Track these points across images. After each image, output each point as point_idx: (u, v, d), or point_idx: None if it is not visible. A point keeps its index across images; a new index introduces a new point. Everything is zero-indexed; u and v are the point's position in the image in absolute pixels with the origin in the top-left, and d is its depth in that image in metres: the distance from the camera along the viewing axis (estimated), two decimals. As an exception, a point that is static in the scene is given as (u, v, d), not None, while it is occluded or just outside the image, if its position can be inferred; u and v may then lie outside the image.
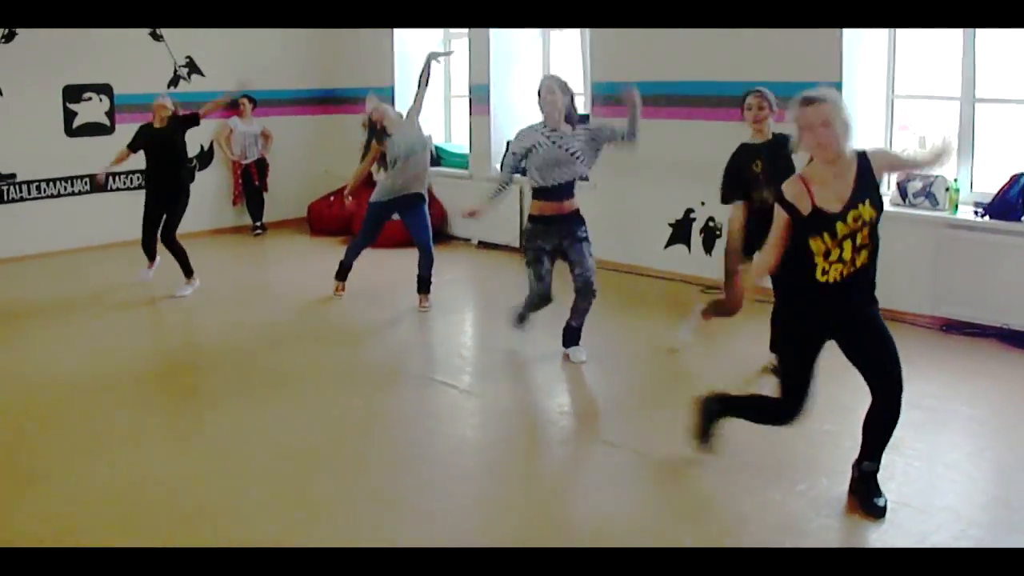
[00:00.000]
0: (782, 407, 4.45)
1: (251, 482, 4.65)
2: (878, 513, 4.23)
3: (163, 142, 8.37)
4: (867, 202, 4.11)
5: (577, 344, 6.48)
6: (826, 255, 4.15)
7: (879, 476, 4.35)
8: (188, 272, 8.58)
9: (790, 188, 4.16)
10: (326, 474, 4.76)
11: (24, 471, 4.80)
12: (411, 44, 11.27)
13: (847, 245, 4.13)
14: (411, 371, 6.35)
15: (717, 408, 4.71)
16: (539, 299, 6.37)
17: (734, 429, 4.98)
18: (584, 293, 6.27)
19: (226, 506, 4.39)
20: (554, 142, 6.10)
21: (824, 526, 4.14)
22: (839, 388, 5.78)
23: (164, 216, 8.42)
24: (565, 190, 6.16)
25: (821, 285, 4.19)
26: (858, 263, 4.18)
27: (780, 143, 5.61)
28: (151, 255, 8.73)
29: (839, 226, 4.09)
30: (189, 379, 6.30)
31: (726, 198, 5.82)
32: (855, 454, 4.82)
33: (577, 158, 6.12)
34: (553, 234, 6.18)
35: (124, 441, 5.18)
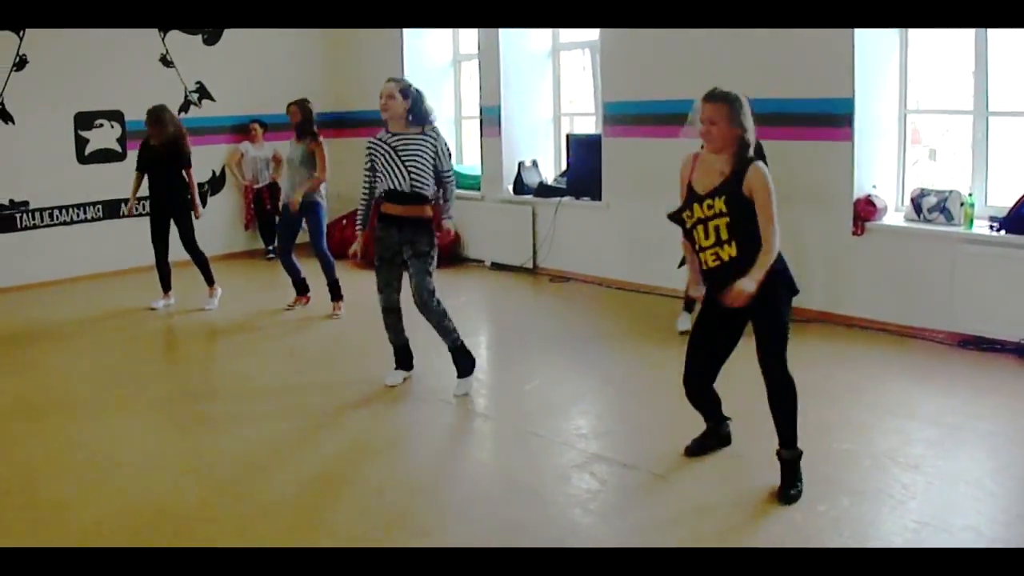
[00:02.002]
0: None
1: (268, 508, 4.63)
2: (783, 499, 4.52)
3: (160, 161, 8.53)
4: (723, 198, 4.46)
5: (465, 374, 6.31)
6: (694, 237, 4.59)
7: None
8: (210, 281, 8.86)
9: (684, 159, 4.69)
10: (344, 499, 4.73)
11: (39, 500, 4.78)
12: (421, 66, 11.30)
13: (700, 231, 4.54)
14: (426, 393, 6.32)
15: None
16: (383, 311, 6.31)
17: (753, 451, 4.96)
18: (421, 310, 6.13)
19: (243, 534, 4.35)
20: (393, 147, 6.05)
21: (847, 547, 4.08)
22: (855, 406, 5.78)
23: (174, 227, 8.68)
24: (410, 197, 6.06)
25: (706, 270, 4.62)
26: (723, 255, 4.51)
27: None
28: (165, 284, 8.81)
29: (695, 207, 4.52)
30: (202, 404, 6.28)
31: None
32: (875, 472, 4.82)
33: (411, 171, 6.00)
34: (394, 237, 6.09)
35: (138, 469, 5.16)
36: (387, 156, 6.04)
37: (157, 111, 8.51)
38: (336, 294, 8.53)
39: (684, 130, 4.88)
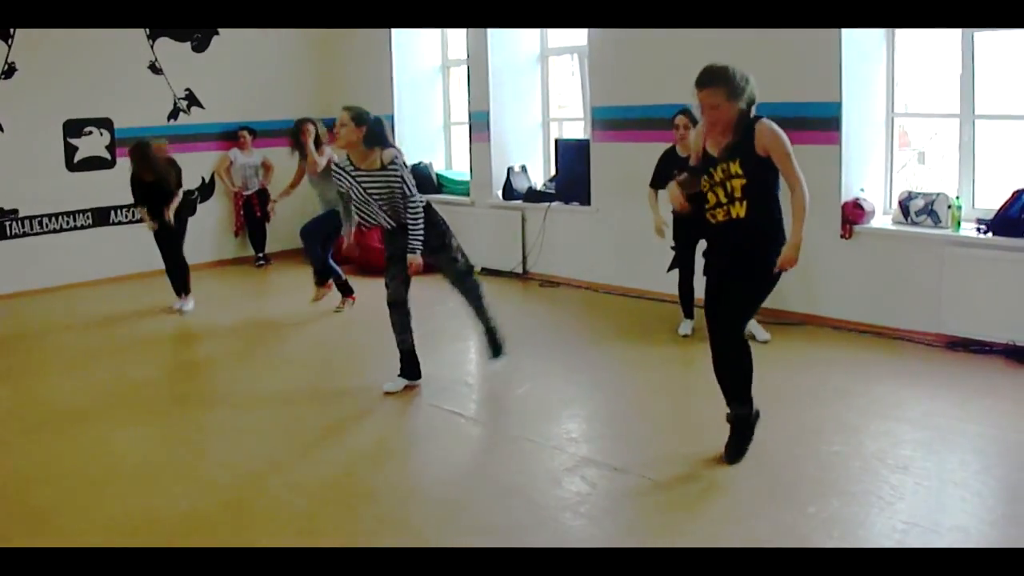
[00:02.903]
0: None
1: (262, 514, 4.63)
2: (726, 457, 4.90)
3: (158, 192, 8.68)
4: (737, 160, 4.61)
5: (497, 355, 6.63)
6: (708, 197, 4.74)
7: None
8: (186, 289, 9.03)
9: (698, 128, 4.91)
10: (336, 505, 4.73)
11: (34, 507, 4.78)
12: (410, 72, 11.32)
13: (720, 192, 4.67)
14: (416, 399, 6.32)
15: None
16: (389, 306, 6.36)
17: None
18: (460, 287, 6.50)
19: (237, 539, 4.34)
20: (360, 183, 6.15)
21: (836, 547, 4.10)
22: (845, 408, 5.79)
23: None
24: (398, 229, 6.18)
25: (711, 224, 4.81)
26: (733, 213, 4.67)
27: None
28: (176, 288, 8.99)
29: (711, 172, 4.68)
30: (195, 412, 6.27)
31: (651, 184, 7.45)
32: (865, 475, 4.83)
33: (384, 211, 6.12)
34: (399, 241, 6.18)
35: (132, 476, 5.15)
36: (357, 192, 6.17)
37: (141, 149, 8.60)
38: (344, 289, 8.86)
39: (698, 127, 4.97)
